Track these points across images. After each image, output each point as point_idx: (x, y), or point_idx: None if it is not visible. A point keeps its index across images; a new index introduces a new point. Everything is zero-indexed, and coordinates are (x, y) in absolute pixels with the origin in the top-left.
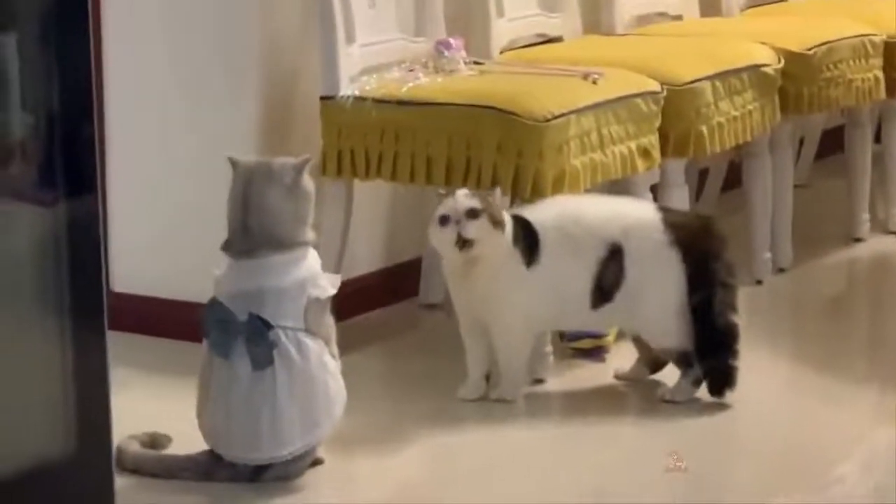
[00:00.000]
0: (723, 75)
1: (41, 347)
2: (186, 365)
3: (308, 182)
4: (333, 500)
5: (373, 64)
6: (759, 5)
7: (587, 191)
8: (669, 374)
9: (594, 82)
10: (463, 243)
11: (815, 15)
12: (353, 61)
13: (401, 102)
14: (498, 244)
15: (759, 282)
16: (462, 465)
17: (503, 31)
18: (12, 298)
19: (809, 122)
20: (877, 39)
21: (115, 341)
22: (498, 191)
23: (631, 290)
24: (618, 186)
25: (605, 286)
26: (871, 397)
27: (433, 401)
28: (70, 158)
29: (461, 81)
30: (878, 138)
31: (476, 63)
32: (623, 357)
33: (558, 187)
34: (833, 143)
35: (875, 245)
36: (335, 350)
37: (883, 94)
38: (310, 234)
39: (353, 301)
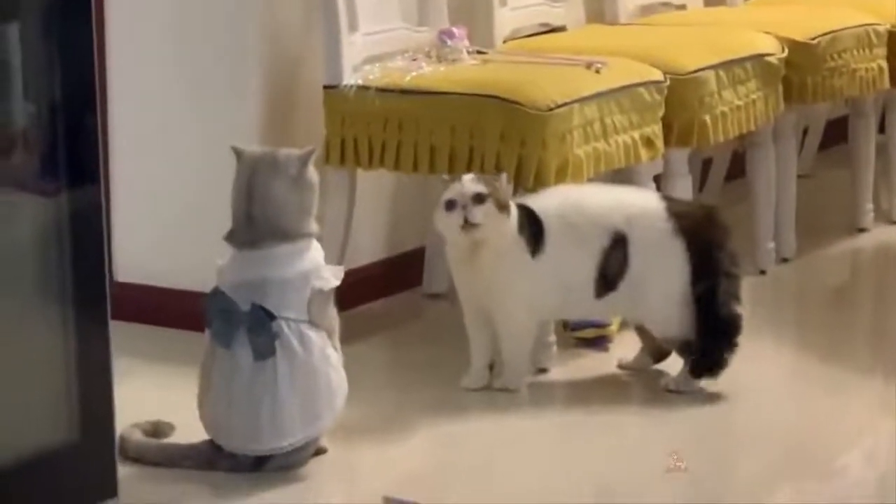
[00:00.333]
0: (726, 65)
1: (44, 337)
2: (189, 354)
3: (313, 173)
4: (336, 489)
5: (376, 53)
6: None
7: (590, 180)
8: (673, 364)
9: (597, 71)
10: (469, 228)
11: (819, 4)
12: (356, 50)
13: (404, 91)
14: (503, 229)
15: (762, 272)
16: (465, 454)
17: (506, 20)
18: (16, 288)
19: (813, 111)
20: (881, 29)
21: (118, 331)
22: (504, 175)
23: (634, 279)
24: (621, 176)
25: (609, 275)
26: (874, 387)
27: (436, 390)
28: (73, 148)
29: (464, 71)
30: (881, 128)
31: (479, 52)
32: (626, 346)
33: (561, 177)
34: (837, 133)
35: (878, 235)
36: (337, 343)
37: (887, 83)
38: (314, 226)
39: (356, 291)
